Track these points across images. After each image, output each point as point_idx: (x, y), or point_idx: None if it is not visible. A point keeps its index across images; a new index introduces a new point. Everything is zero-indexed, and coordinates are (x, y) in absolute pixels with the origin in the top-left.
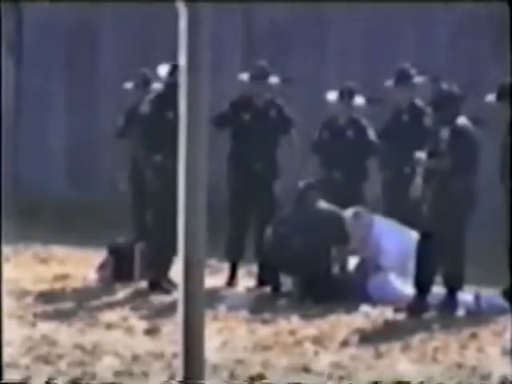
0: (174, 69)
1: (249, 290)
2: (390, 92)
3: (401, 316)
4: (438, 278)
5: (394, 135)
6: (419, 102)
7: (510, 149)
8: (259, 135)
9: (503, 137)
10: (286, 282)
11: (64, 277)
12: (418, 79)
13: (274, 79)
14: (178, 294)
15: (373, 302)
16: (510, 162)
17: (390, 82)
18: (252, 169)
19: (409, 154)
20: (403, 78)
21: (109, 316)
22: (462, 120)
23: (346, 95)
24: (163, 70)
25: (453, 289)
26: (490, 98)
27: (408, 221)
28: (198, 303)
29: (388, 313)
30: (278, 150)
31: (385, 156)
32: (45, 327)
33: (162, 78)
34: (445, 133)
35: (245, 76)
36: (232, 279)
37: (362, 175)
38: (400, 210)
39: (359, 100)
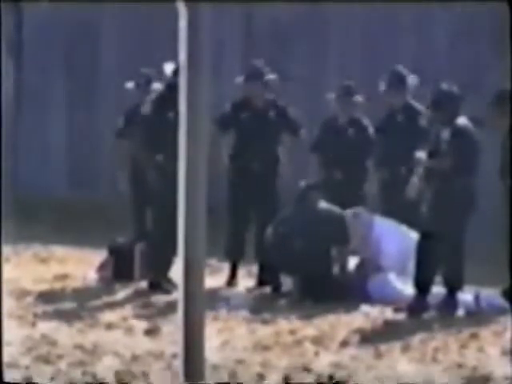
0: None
1: (249, 290)
2: (383, 95)
3: (401, 316)
4: (438, 278)
5: (389, 135)
6: (413, 102)
7: (509, 148)
8: (259, 135)
9: (503, 137)
10: (286, 282)
11: (64, 277)
12: (411, 80)
13: (269, 78)
14: (178, 294)
15: (373, 302)
16: (510, 161)
17: (382, 86)
18: (253, 169)
19: (404, 153)
20: (395, 81)
21: (109, 316)
22: (461, 120)
23: (346, 93)
24: (169, 68)
25: (453, 289)
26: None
27: (404, 220)
28: (198, 303)
29: (388, 313)
30: (279, 150)
31: (380, 156)
32: (45, 327)
33: (166, 76)
34: (445, 133)
35: (239, 78)
36: (232, 279)
37: (362, 175)
38: (396, 210)
39: (359, 98)
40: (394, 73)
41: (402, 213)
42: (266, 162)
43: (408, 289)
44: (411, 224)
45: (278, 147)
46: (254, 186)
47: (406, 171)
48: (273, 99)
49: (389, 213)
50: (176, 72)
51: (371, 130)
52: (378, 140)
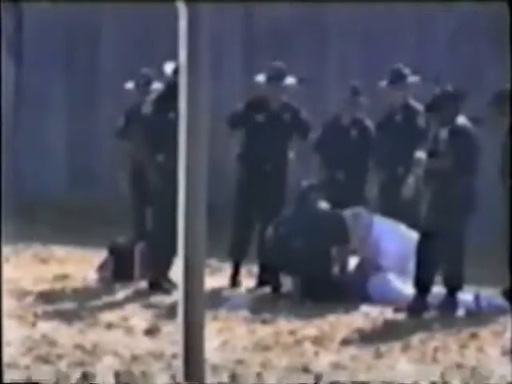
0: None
1: (249, 290)
2: (383, 92)
3: (401, 316)
4: (438, 278)
5: (388, 135)
6: (413, 102)
7: (510, 148)
8: (272, 137)
9: (503, 137)
10: (286, 282)
11: (64, 277)
12: (412, 79)
13: (290, 80)
14: (178, 294)
15: (373, 301)
16: (510, 161)
17: (383, 83)
18: (262, 169)
19: (402, 153)
20: (397, 78)
21: (109, 316)
22: (461, 120)
23: (353, 94)
24: (169, 67)
25: (453, 289)
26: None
27: (403, 220)
28: (198, 303)
29: (388, 313)
30: (289, 152)
31: (379, 155)
32: (45, 327)
33: (166, 75)
34: (444, 133)
35: (261, 77)
36: (235, 279)
37: (364, 175)
38: (394, 210)
39: (365, 99)
40: (394, 71)
41: (401, 213)
42: (277, 163)
43: (408, 289)
44: (410, 224)
45: (289, 149)
46: (263, 186)
47: (404, 171)
48: (287, 101)
49: (387, 213)
50: (176, 71)
51: (373, 130)
52: (378, 139)
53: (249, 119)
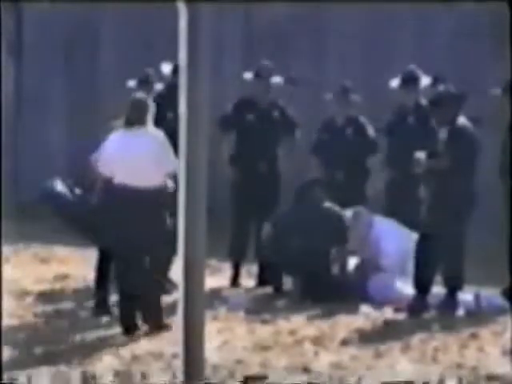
0: (178, 68)
1: (249, 290)
2: (395, 92)
3: (401, 316)
4: (438, 278)
5: (400, 135)
6: (425, 103)
7: (510, 146)
8: (262, 136)
9: (504, 132)
10: (286, 282)
11: (64, 277)
12: (425, 81)
13: (277, 79)
14: (178, 294)
15: (373, 302)
16: (510, 159)
17: (395, 83)
18: (255, 169)
19: (412, 153)
20: (410, 80)
21: (109, 316)
22: (460, 120)
23: (342, 92)
24: (166, 68)
25: (453, 289)
26: (495, 91)
27: (411, 220)
28: (198, 303)
29: (388, 313)
30: (280, 151)
31: (389, 155)
32: (45, 327)
33: (164, 75)
34: (443, 133)
35: (248, 75)
36: (236, 279)
37: (363, 174)
38: (403, 210)
39: (356, 97)
40: (407, 72)
41: (409, 213)
42: (269, 162)
43: (408, 289)
44: (417, 224)
45: (278, 147)
46: (257, 186)
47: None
48: (274, 100)
49: (394, 212)
50: (174, 71)
51: (369, 128)
52: (388, 139)
53: (239, 120)
